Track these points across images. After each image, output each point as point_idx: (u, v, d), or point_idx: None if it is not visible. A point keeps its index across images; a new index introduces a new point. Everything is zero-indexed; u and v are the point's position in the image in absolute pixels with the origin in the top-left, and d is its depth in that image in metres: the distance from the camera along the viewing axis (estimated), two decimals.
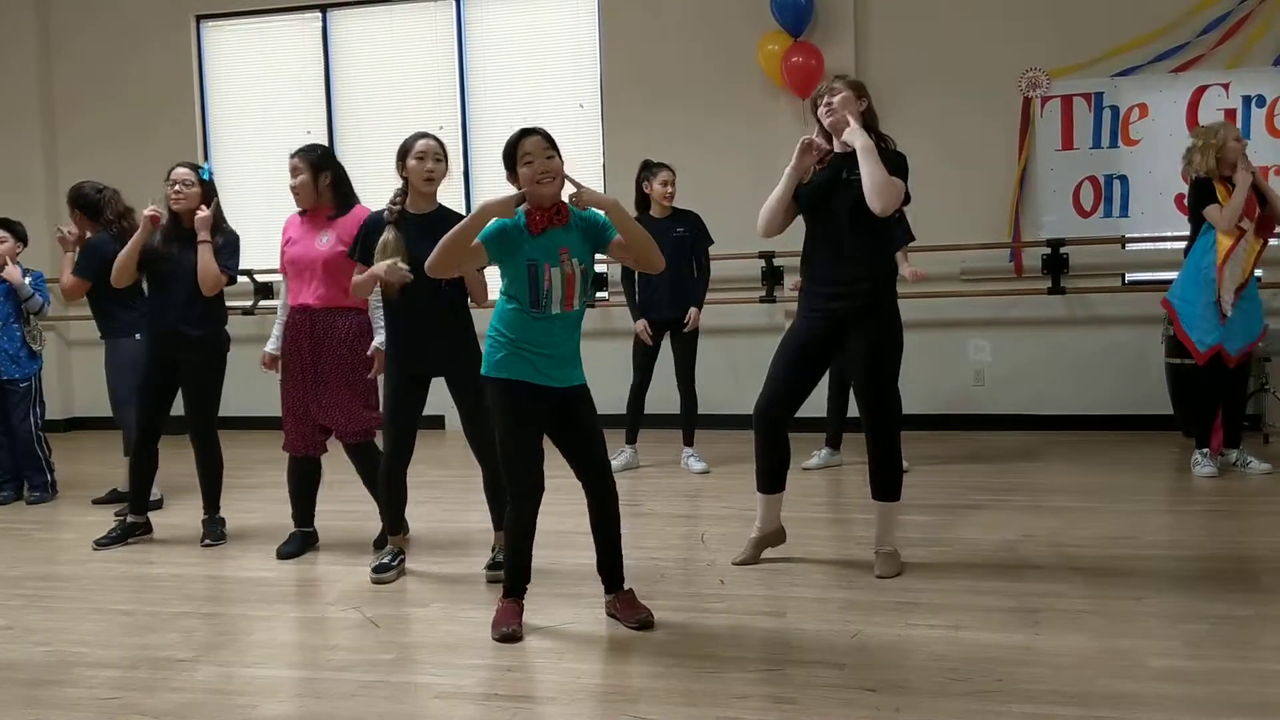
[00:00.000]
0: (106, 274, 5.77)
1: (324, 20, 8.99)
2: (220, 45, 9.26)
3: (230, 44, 9.24)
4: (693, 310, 6.49)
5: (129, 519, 5.34)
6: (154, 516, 5.77)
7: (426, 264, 3.70)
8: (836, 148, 4.29)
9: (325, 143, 8.87)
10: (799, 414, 4.44)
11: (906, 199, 4.23)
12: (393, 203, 4.38)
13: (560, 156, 3.70)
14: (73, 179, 6.70)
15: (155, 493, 6.01)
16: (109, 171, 6.84)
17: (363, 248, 4.40)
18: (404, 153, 4.37)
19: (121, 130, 9.13)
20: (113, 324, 5.95)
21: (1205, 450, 5.98)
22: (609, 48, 8.35)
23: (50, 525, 5.84)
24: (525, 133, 3.69)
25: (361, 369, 4.73)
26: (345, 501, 5.24)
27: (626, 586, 3.92)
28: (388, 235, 4.29)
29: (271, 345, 4.94)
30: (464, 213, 4.34)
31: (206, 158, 9.08)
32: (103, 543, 5.22)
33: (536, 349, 3.68)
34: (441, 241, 3.67)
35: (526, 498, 3.75)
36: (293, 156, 4.80)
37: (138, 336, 5.99)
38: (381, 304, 4.50)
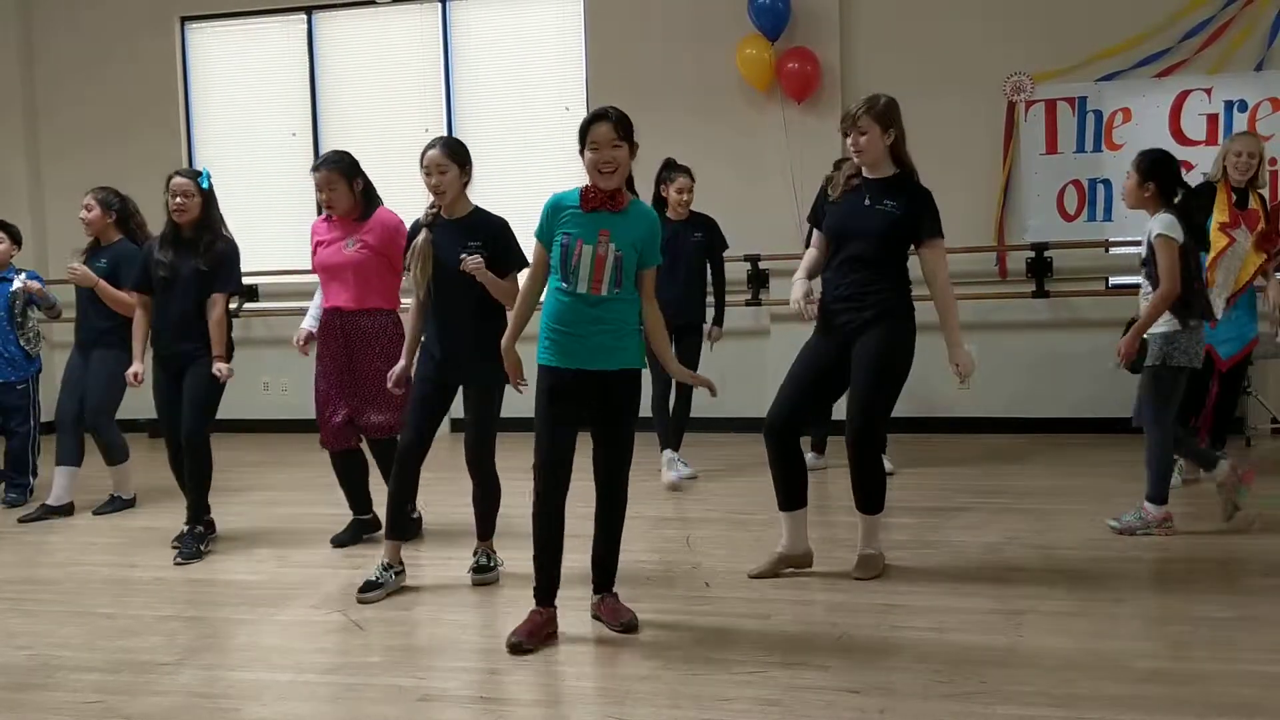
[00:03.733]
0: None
1: (309, 22, 8.96)
2: (205, 47, 9.22)
3: (215, 45, 9.20)
4: (715, 329, 6.60)
5: (198, 528, 5.18)
6: (135, 520, 5.76)
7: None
8: (865, 172, 4.31)
9: (311, 145, 8.89)
10: None
11: (940, 233, 4.29)
12: (430, 207, 4.36)
13: (631, 144, 3.71)
14: (56, 180, 6.68)
15: (129, 491, 6.02)
16: (93, 173, 6.81)
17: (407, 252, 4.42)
18: (421, 162, 4.34)
19: (106, 132, 9.07)
20: (109, 336, 5.85)
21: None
22: (594, 51, 8.35)
23: (32, 528, 5.80)
24: (598, 116, 3.72)
25: (390, 367, 4.72)
26: (336, 504, 5.22)
27: (613, 589, 3.92)
28: (417, 240, 4.29)
29: (308, 323, 5.10)
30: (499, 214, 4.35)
31: (191, 160, 9.05)
32: (186, 556, 5.03)
33: (564, 330, 3.70)
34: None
35: (552, 496, 3.72)
36: (319, 170, 4.85)
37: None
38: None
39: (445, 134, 8.50)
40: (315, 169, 4.89)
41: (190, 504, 5.16)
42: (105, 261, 5.84)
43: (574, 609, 4.00)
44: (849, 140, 4.31)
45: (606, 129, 3.66)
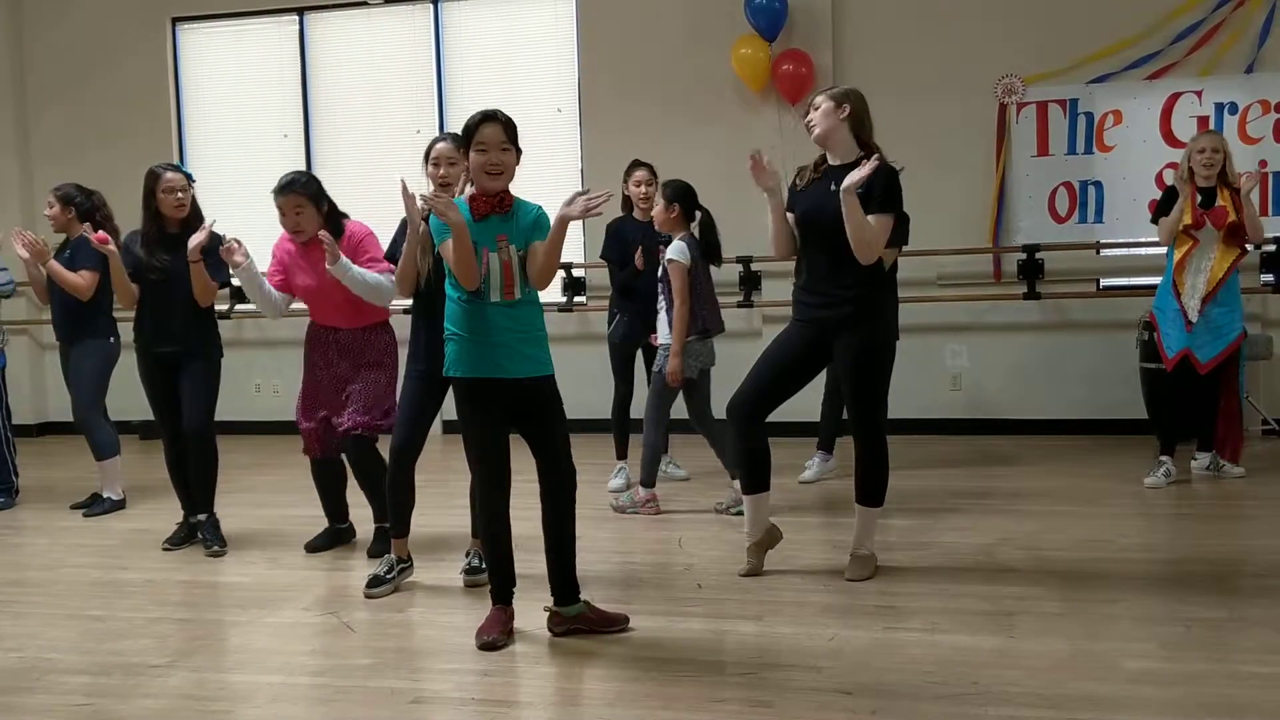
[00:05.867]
0: (104, 268, 5.75)
1: (301, 23, 8.95)
2: (196, 48, 9.20)
3: (206, 46, 9.19)
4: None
5: (192, 519, 5.26)
6: (125, 522, 5.75)
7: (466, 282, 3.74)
8: (830, 160, 4.30)
9: (303, 146, 8.88)
10: (796, 419, 4.41)
11: (903, 217, 4.25)
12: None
13: (517, 149, 3.67)
14: (48, 181, 6.66)
15: (120, 491, 5.99)
16: (84, 175, 6.79)
17: (393, 245, 4.39)
18: (425, 157, 4.34)
19: (97, 134, 9.07)
20: (85, 326, 5.88)
21: (1162, 457, 5.96)
22: (587, 52, 8.35)
23: (21, 530, 5.78)
24: (487, 117, 3.65)
25: (386, 378, 4.72)
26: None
27: (583, 597, 3.83)
28: (421, 229, 4.24)
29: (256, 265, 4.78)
30: None
31: (182, 161, 9.03)
32: (174, 543, 5.20)
33: (485, 341, 3.64)
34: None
35: (494, 498, 3.72)
36: (284, 194, 4.63)
37: (110, 339, 5.93)
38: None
39: (440, 133, 8.56)
40: (279, 192, 4.64)
41: (200, 497, 5.19)
42: (68, 253, 5.91)
43: None
44: (806, 119, 4.29)
45: (496, 130, 3.62)
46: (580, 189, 3.64)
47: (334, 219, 4.75)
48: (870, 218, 4.12)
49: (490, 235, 3.63)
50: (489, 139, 3.61)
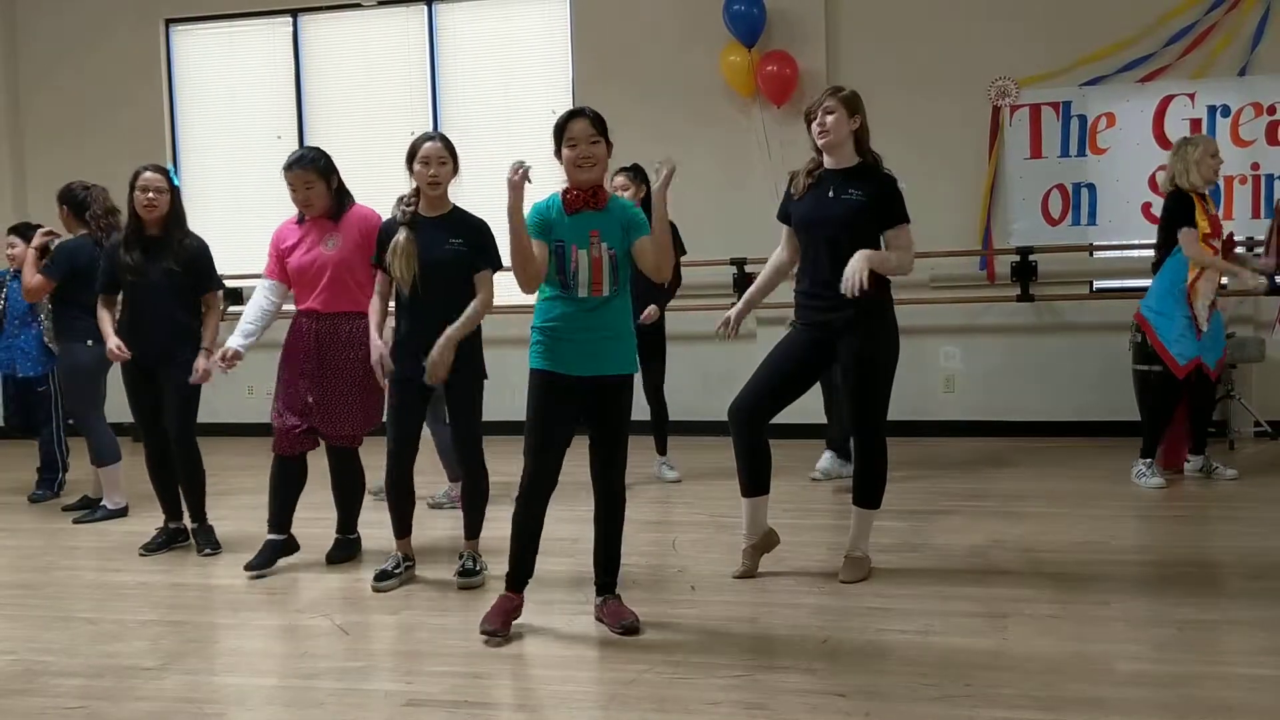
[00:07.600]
0: (74, 278, 5.71)
1: (294, 25, 8.95)
2: (189, 49, 9.20)
3: (199, 48, 9.18)
4: (651, 307, 6.18)
5: (170, 526, 5.25)
6: (119, 525, 5.73)
7: (522, 287, 3.71)
8: (827, 163, 4.29)
9: (296, 148, 8.85)
10: (795, 421, 4.41)
11: (905, 219, 4.25)
12: (405, 205, 4.34)
13: (608, 142, 3.73)
14: (41, 184, 6.66)
15: (119, 500, 5.96)
16: (78, 176, 6.78)
17: (378, 252, 4.39)
18: (411, 155, 4.33)
19: (90, 135, 9.04)
20: (68, 328, 5.85)
21: (1149, 460, 5.98)
22: (580, 54, 8.36)
23: (15, 533, 5.77)
24: (574, 114, 3.73)
25: (365, 373, 4.66)
26: (317, 508, 5.20)
27: (617, 591, 3.92)
28: (399, 238, 4.27)
29: (238, 342, 4.69)
30: (477, 214, 4.40)
31: (175, 163, 9.02)
32: (150, 549, 5.16)
33: (564, 337, 3.69)
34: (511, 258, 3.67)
35: (537, 492, 3.74)
36: (294, 169, 4.62)
37: (90, 343, 5.82)
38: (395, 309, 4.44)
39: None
40: (289, 168, 4.65)
41: (190, 505, 5.18)
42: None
43: (564, 612, 4.01)
44: (814, 125, 4.25)
45: (584, 124, 3.69)
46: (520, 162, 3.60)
47: (341, 198, 4.73)
48: (889, 232, 4.20)
49: (583, 230, 3.67)
50: (578, 133, 3.68)
